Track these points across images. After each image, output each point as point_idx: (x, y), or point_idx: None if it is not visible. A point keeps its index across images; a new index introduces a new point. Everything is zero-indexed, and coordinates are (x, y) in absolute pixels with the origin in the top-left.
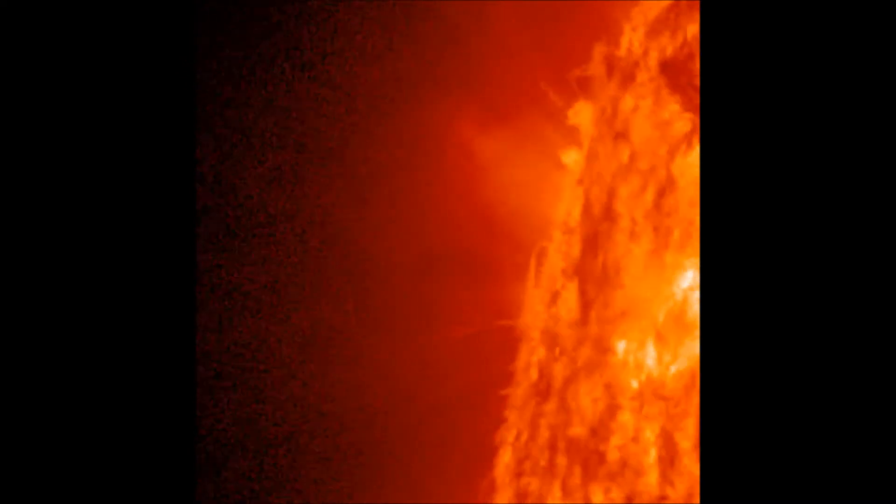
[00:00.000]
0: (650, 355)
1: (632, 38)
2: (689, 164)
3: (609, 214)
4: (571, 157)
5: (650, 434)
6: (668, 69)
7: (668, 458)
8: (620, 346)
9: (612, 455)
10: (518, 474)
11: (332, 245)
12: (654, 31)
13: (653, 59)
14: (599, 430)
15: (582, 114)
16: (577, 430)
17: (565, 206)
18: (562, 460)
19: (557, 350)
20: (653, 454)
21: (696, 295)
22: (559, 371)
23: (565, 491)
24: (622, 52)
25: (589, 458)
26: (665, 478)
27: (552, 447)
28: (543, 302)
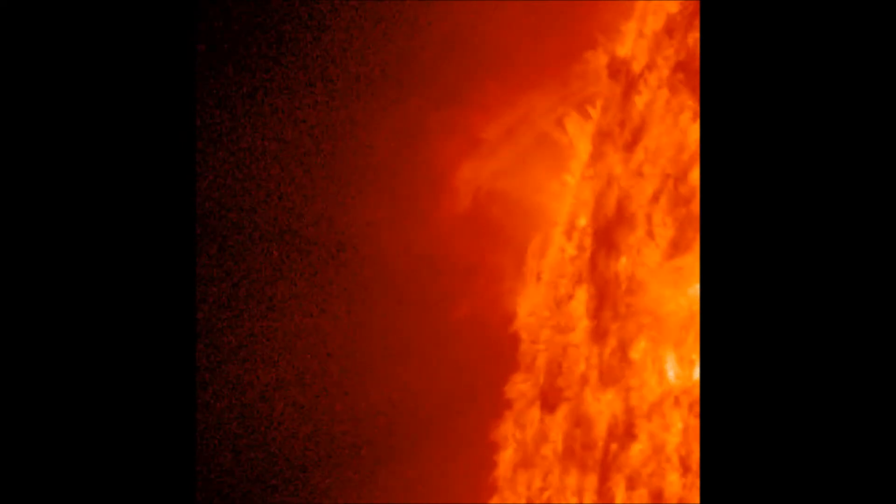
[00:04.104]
0: (669, 361)
1: (642, 37)
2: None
3: (621, 217)
4: (575, 157)
5: (670, 440)
6: (683, 71)
7: (689, 464)
8: (637, 350)
9: (631, 459)
10: (523, 475)
11: (331, 247)
12: (666, 32)
13: (667, 60)
14: (615, 435)
15: (586, 113)
16: (591, 435)
17: (568, 208)
18: (571, 464)
19: (568, 353)
20: (673, 460)
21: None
22: (570, 374)
23: (574, 493)
24: (630, 51)
25: (603, 461)
26: (685, 484)
27: (560, 450)
28: (548, 304)
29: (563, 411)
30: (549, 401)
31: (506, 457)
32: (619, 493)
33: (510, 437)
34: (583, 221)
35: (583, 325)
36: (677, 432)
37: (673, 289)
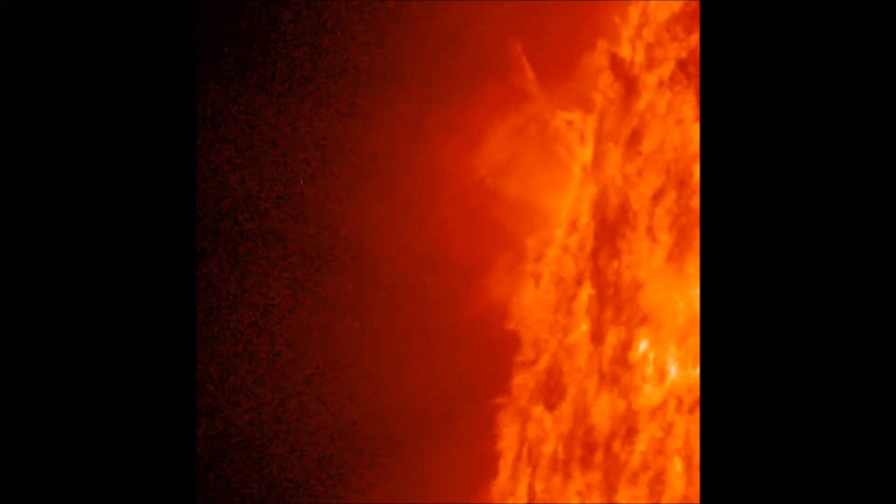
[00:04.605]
0: (671, 361)
1: (642, 37)
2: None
3: (622, 217)
4: (576, 157)
5: (673, 440)
6: (685, 70)
7: (691, 465)
8: (640, 351)
9: (633, 460)
10: (524, 475)
11: (330, 247)
12: (667, 31)
13: (668, 60)
14: (617, 436)
15: (587, 113)
16: (593, 435)
17: (569, 208)
18: (573, 464)
19: (569, 354)
20: (675, 460)
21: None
22: (571, 375)
23: (576, 494)
24: (631, 51)
25: (604, 461)
26: (687, 484)
27: (562, 451)
28: (549, 304)
29: (564, 412)
30: (550, 401)
31: (507, 457)
32: (622, 493)
33: (511, 437)
34: (584, 221)
35: (584, 325)
36: (680, 433)
37: (675, 289)
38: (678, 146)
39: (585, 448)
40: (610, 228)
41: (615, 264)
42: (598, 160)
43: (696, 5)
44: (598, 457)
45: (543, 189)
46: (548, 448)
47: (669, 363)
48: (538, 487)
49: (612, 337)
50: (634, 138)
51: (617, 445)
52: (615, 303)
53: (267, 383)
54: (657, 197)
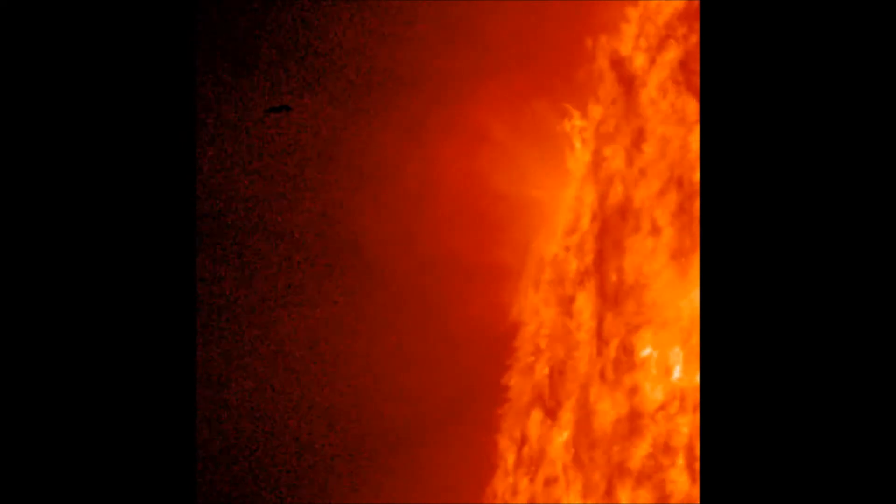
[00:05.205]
0: (674, 362)
1: (644, 36)
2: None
3: (624, 217)
4: (577, 158)
5: (676, 441)
6: (686, 70)
7: (695, 466)
8: (642, 352)
9: (635, 460)
10: (526, 477)
11: (331, 247)
12: (669, 31)
13: (670, 59)
14: (619, 436)
15: (587, 113)
16: (595, 436)
17: (570, 208)
18: (575, 465)
19: (571, 354)
20: (678, 460)
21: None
22: (573, 375)
23: (578, 495)
24: (632, 50)
25: (607, 462)
26: (691, 485)
27: (564, 452)
28: (550, 305)
29: (566, 412)
30: (551, 402)
31: (508, 458)
32: (624, 494)
33: (512, 438)
34: (585, 221)
35: (586, 325)
36: (683, 433)
37: (677, 289)
38: (679, 146)
39: (587, 448)
40: (611, 228)
41: (617, 264)
42: (598, 160)
43: (696, 5)
44: (600, 457)
45: (544, 189)
46: (549, 448)
47: (672, 363)
48: (539, 488)
49: (614, 337)
50: (635, 138)
51: (619, 446)
52: (617, 303)
53: (266, 384)
54: (658, 197)
